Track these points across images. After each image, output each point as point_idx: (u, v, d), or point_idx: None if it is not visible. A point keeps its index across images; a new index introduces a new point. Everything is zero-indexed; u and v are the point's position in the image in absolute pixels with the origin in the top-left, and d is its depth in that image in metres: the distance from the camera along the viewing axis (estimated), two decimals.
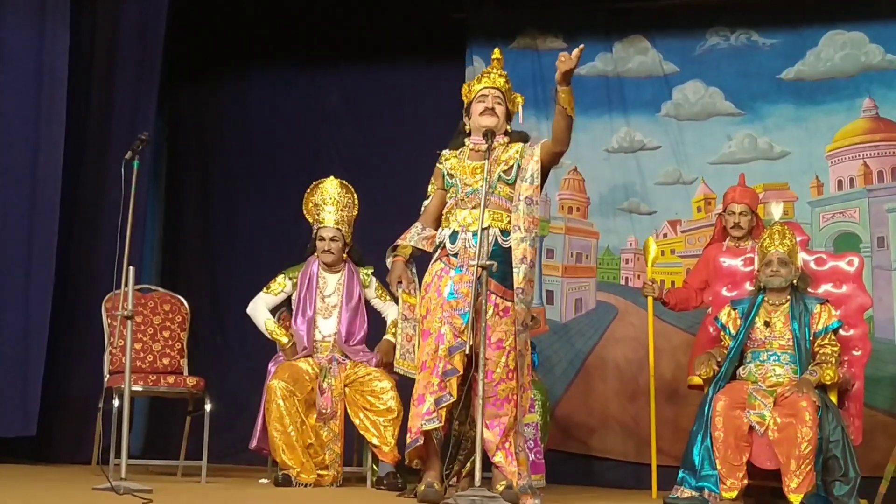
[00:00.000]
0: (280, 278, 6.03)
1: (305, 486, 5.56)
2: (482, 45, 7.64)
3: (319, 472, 5.65)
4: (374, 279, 6.08)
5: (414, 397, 4.92)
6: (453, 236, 4.92)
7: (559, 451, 6.76)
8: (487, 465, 5.18)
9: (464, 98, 5.17)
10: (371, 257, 6.23)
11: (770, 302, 5.43)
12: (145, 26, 7.22)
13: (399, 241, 5.05)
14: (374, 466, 5.81)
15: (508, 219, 4.90)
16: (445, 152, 5.10)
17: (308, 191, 6.10)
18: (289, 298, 6.02)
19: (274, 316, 6.00)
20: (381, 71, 8.01)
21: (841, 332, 5.43)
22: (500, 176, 4.92)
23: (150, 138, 5.33)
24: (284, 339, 5.91)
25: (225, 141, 8.35)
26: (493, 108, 4.98)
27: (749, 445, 5.17)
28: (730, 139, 7.06)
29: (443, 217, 5.05)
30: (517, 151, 4.95)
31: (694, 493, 5.28)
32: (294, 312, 5.95)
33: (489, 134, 4.90)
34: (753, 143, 6.99)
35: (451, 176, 4.97)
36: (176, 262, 8.34)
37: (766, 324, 5.37)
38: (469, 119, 5.06)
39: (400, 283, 5.07)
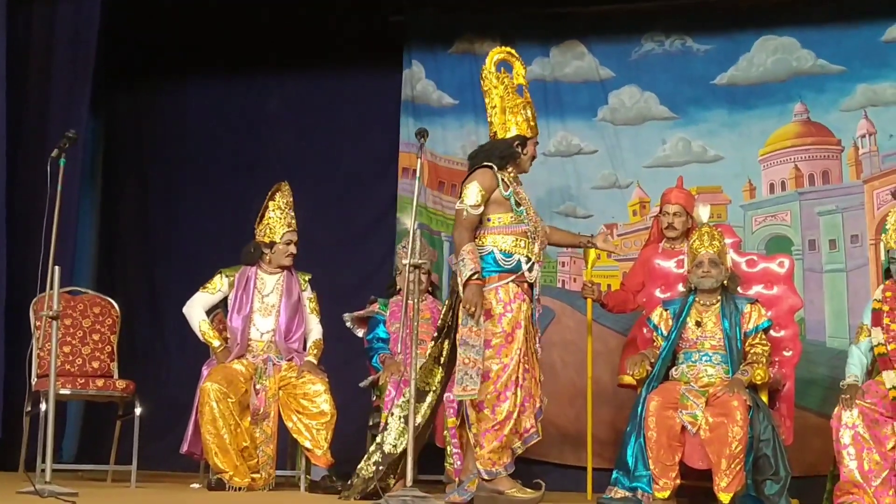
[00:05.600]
0: (217, 278, 6.00)
1: (239, 489, 5.51)
2: (420, 49, 7.66)
3: (253, 475, 5.60)
4: (309, 286, 6.05)
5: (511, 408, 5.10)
6: (532, 266, 5.20)
7: None
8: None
9: (526, 124, 5.28)
10: (312, 261, 6.22)
11: (701, 302, 5.47)
12: (79, 27, 7.17)
13: (477, 268, 5.04)
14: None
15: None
16: (496, 169, 5.23)
17: (269, 197, 6.00)
18: (225, 298, 5.98)
19: (209, 316, 5.96)
20: (319, 74, 7.99)
21: (772, 332, 5.50)
22: None
23: (77, 136, 5.28)
24: (216, 343, 5.87)
25: (163, 145, 8.28)
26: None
27: (682, 445, 5.21)
28: (664, 143, 7.12)
29: (504, 240, 5.16)
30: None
31: (627, 493, 5.31)
32: (230, 310, 5.91)
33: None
34: (688, 146, 7.06)
35: (518, 204, 5.22)
36: (112, 266, 8.26)
37: (698, 324, 5.42)
38: (523, 151, 5.29)
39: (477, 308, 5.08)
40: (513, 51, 5.44)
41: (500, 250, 5.16)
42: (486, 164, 5.24)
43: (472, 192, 5.15)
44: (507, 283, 5.13)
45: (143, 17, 7.75)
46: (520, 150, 5.28)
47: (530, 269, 5.19)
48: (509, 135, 5.27)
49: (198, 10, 7.67)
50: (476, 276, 5.03)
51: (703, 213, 5.63)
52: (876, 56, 6.76)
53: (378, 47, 7.74)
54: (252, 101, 8.16)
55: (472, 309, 5.00)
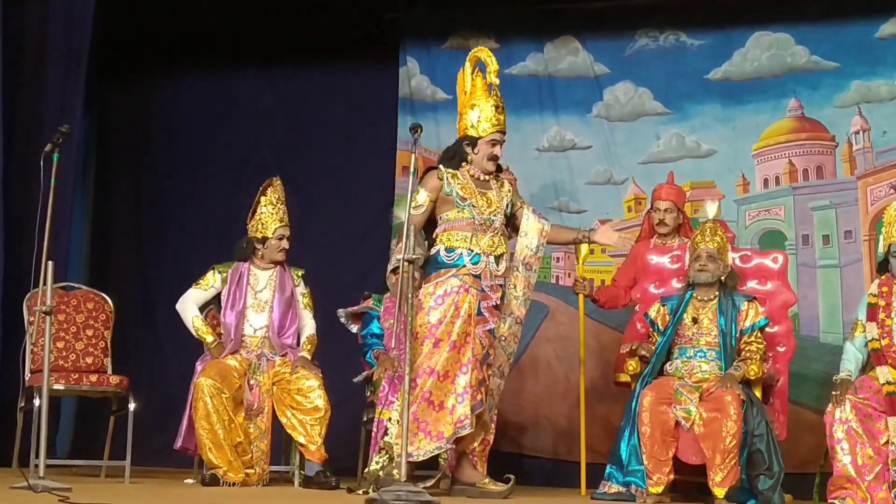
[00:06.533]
0: (210, 274, 5.99)
1: (233, 485, 5.51)
2: (415, 45, 7.67)
3: (247, 470, 5.60)
4: (303, 282, 6.05)
5: (433, 402, 5.19)
6: (475, 258, 5.26)
7: (490, 450, 6.73)
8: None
9: (469, 120, 5.36)
10: (307, 258, 6.21)
11: (698, 298, 5.48)
12: (72, 22, 7.15)
13: (397, 264, 5.20)
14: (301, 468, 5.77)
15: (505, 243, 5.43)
16: (443, 168, 5.38)
17: (261, 192, 5.99)
18: (218, 295, 5.97)
19: (202, 313, 5.95)
20: (313, 70, 7.98)
21: (766, 328, 5.50)
22: (504, 209, 5.44)
23: (70, 132, 5.26)
24: (209, 339, 5.85)
25: (156, 140, 8.26)
26: (498, 156, 5.44)
27: (675, 441, 5.22)
28: (658, 139, 7.13)
29: (447, 235, 5.32)
30: (508, 191, 5.48)
31: (621, 488, 5.34)
32: (223, 306, 5.90)
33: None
34: (681, 142, 7.07)
35: (463, 199, 5.33)
36: (106, 262, 8.24)
37: (695, 320, 5.43)
38: (473, 151, 5.38)
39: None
40: (485, 49, 5.54)
41: (446, 247, 5.32)
42: (434, 166, 5.43)
43: (418, 196, 5.35)
44: (448, 277, 5.25)
45: (136, 11, 7.72)
46: (469, 149, 5.37)
47: (474, 262, 5.27)
48: (462, 136, 5.42)
49: (191, 4, 7.66)
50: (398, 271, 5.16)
51: (710, 208, 5.66)
52: (870, 53, 6.78)
53: (373, 44, 7.74)
54: (245, 96, 8.14)
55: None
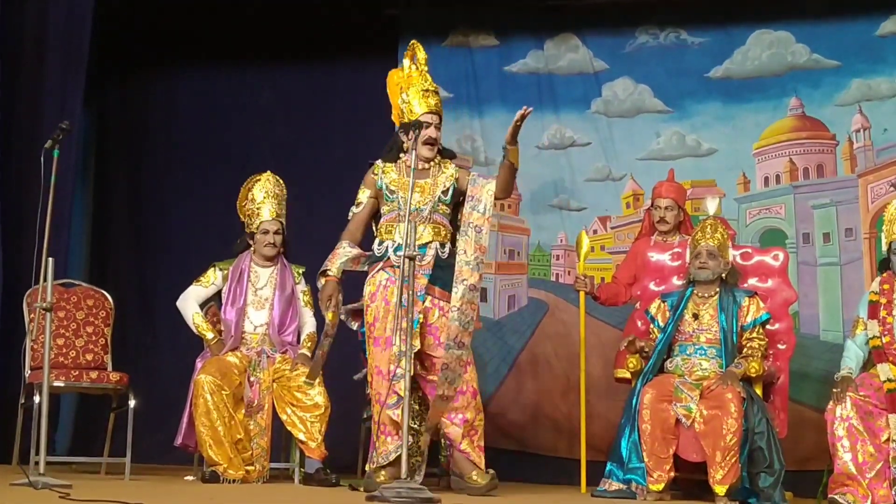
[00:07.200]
0: (210, 271, 5.99)
1: (233, 482, 5.50)
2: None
3: (247, 467, 5.60)
4: (303, 279, 6.04)
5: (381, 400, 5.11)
6: (399, 248, 5.11)
7: (490, 448, 6.65)
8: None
9: (399, 110, 5.33)
10: (303, 254, 6.20)
11: (699, 295, 5.48)
12: (72, 19, 7.15)
13: (328, 266, 5.23)
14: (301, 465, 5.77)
15: (446, 232, 5.25)
16: (380, 163, 5.34)
17: (245, 186, 6.03)
18: (219, 292, 5.97)
19: (203, 309, 5.95)
20: (313, 67, 7.98)
21: (767, 324, 5.50)
22: (439, 196, 5.24)
23: (70, 128, 5.27)
24: (210, 335, 5.86)
25: (156, 137, 8.26)
26: (434, 139, 5.27)
27: (676, 438, 5.23)
28: (658, 136, 7.15)
29: (380, 229, 5.27)
30: (452, 175, 5.29)
31: (621, 485, 5.33)
32: (224, 303, 5.91)
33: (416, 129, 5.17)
34: (681, 140, 7.09)
35: (392, 192, 5.25)
36: (106, 259, 8.24)
37: (695, 316, 5.42)
38: (408, 139, 5.26)
39: (330, 302, 5.22)
40: (417, 42, 5.44)
41: (379, 241, 5.27)
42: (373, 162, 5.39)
43: (359, 195, 5.36)
44: (378, 272, 5.19)
45: (136, 9, 7.72)
46: (405, 137, 5.30)
47: (397, 252, 5.11)
48: (397, 126, 5.37)
49: (190, 3, 7.65)
50: (328, 272, 5.20)
51: (710, 205, 5.68)
52: (870, 51, 6.80)
53: (373, 41, 7.73)
54: (245, 93, 8.13)
55: (323, 306, 5.22)
